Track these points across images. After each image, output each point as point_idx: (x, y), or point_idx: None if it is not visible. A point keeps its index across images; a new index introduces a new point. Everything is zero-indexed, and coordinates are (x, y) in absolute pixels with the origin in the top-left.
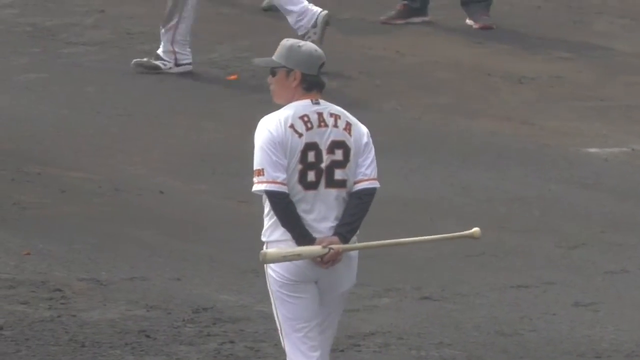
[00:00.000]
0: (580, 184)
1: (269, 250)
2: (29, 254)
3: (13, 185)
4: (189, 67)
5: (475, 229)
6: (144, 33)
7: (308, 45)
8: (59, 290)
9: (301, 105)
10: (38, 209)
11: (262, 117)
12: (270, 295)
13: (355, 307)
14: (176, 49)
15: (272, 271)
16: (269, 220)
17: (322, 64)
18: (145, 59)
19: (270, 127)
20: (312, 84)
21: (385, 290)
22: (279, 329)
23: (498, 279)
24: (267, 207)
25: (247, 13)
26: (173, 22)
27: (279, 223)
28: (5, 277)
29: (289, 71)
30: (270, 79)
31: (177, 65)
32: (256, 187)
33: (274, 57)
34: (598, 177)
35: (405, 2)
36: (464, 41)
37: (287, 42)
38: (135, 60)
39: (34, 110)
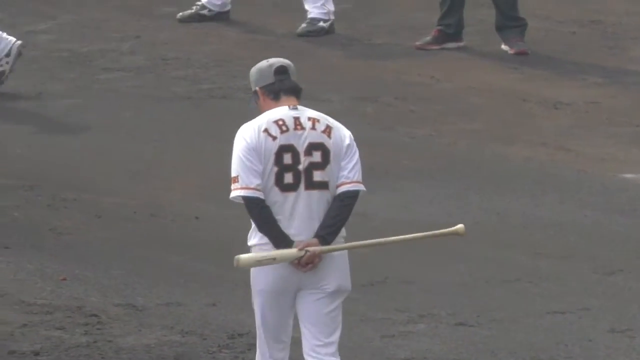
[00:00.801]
0: (616, 210)
1: (243, 255)
2: (65, 279)
3: (49, 211)
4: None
5: (460, 226)
6: (179, 59)
7: (261, 63)
8: (95, 315)
9: (278, 111)
10: (74, 234)
11: None
12: (252, 294)
13: (390, 333)
14: None
15: (256, 280)
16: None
17: (280, 68)
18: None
19: (245, 134)
20: (275, 91)
21: (420, 316)
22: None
23: (534, 305)
24: None
25: (282, 39)
26: None
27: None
28: (42, 303)
29: (255, 93)
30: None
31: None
32: (232, 194)
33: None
34: (634, 203)
35: (440, 27)
36: (499, 67)
37: (260, 63)
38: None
39: (70, 136)
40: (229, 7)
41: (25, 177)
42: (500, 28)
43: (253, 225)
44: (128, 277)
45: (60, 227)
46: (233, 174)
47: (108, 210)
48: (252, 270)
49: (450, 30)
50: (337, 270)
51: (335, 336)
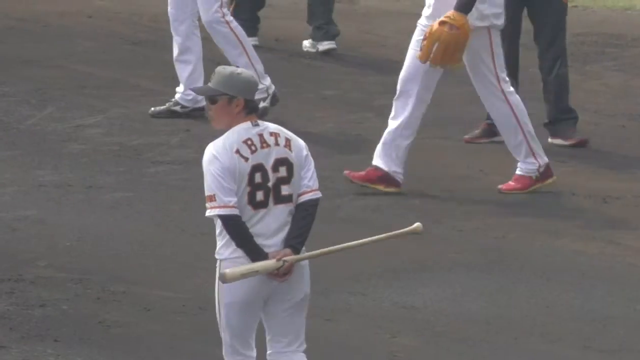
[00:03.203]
0: None
1: (228, 270)
2: None
3: (98, 304)
4: None
5: (417, 224)
6: None
7: (245, 72)
8: None
9: (243, 129)
10: (123, 327)
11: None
12: (216, 300)
13: None
14: None
15: (226, 293)
16: (222, 239)
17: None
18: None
19: (218, 154)
20: (252, 108)
21: None
22: (218, 321)
23: None
24: (218, 227)
25: (331, 132)
26: None
27: (231, 241)
28: None
29: (231, 98)
30: (209, 106)
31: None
32: (210, 212)
33: (211, 85)
34: None
35: (489, 121)
36: (548, 159)
37: (224, 69)
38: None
39: (119, 228)
40: (202, 104)
41: (75, 270)
42: (552, 122)
43: (223, 240)
44: None
45: (109, 320)
46: (208, 192)
47: (157, 303)
48: (220, 283)
49: None
50: (303, 278)
51: (303, 337)
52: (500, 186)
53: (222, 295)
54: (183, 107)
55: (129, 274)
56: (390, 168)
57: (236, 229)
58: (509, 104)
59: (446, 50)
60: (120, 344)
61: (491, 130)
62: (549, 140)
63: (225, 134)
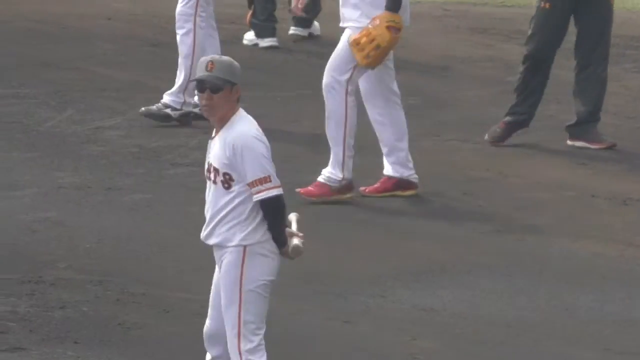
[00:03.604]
0: None
1: (299, 243)
2: None
3: (118, 306)
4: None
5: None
6: None
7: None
8: None
9: (246, 114)
10: (143, 329)
11: (371, 245)
12: (237, 296)
13: None
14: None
15: (254, 272)
16: (250, 223)
17: None
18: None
19: (258, 136)
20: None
21: None
22: (238, 330)
23: None
24: (245, 213)
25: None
26: None
27: (261, 225)
28: None
29: (232, 86)
30: (207, 95)
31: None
32: (268, 194)
33: (216, 74)
34: None
35: (508, 118)
36: (567, 162)
37: (221, 58)
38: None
39: (139, 230)
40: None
41: (95, 271)
42: (579, 123)
43: (252, 225)
44: None
45: (128, 322)
46: (262, 174)
47: (176, 305)
48: (259, 263)
49: (521, 118)
50: None
51: None
52: (298, 189)
53: (250, 279)
54: (174, 109)
55: (148, 276)
56: (403, 174)
57: (283, 208)
58: (346, 105)
59: (386, 53)
60: (140, 345)
61: (510, 128)
62: (569, 142)
63: (244, 119)
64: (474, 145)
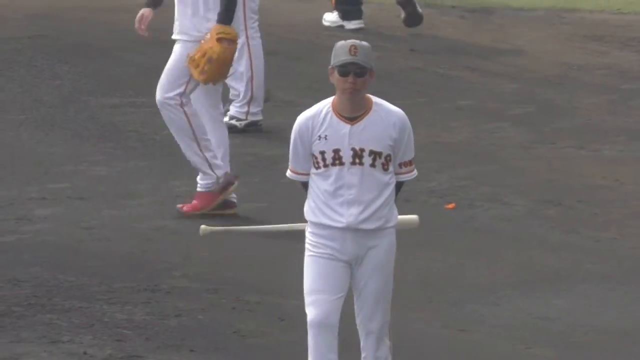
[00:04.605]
0: None
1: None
2: None
3: (233, 314)
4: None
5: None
6: None
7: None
8: None
9: None
10: (258, 337)
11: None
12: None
13: None
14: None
15: None
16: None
17: None
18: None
19: None
20: None
21: None
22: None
23: None
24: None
25: (465, 142)
26: None
27: None
28: None
29: (371, 71)
30: (352, 79)
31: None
32: (414, 174)
33: (363, 59)
34: None
35: None
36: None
37: (362, 43)
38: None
39: (254, 239)
40: (257, 118)
41: (210, 280)
42: None
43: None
44: None
45: (244, 329)
46: (413, 155)
47: (291, 313)
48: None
49: None
50: None
51: None
52: (182, 208)
53: None
54: (238, 119)
55: (263, 284)
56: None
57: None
58: (185, 115)
59: (223, 66)
60: (255, 353)
61: None
62: None
63: (385, 102)
64: (589, 153)
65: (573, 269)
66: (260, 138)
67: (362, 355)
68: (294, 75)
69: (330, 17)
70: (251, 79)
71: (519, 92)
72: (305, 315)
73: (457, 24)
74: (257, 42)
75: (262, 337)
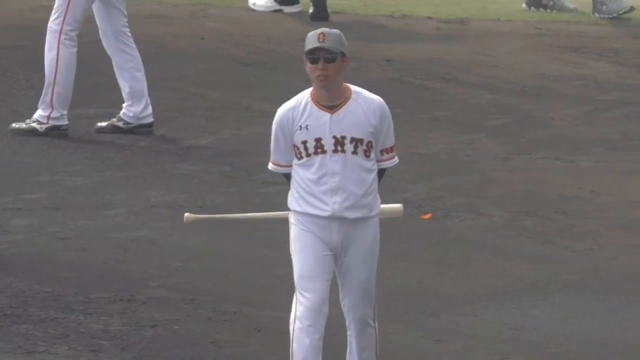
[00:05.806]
0: None
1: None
2: None
3: (210, 324)
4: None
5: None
6: None
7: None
8: None
9: None
10: (234, 347)
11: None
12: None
13: None
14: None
15: None
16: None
17: None
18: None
19: None
20: None
21: None
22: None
23: None
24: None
25: (442, 153)
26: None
27: None
28: None
29: (343, 56)
30: (322, 64)
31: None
32: (396, 161)
33: (332, 45)
34: None
35: None
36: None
37: (332, 30)
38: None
39: (230, 249)
40: (146, 121)
41: (186, 290)
42: None
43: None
44: None
45: (220, 340)
46: (394, 142)
47: (268, 323)
48: None
49: None
50: None
51: None
52: None
53: None
54: (126, 123)
55: (240, 295)
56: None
57: None
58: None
59: None
60: None
61: None
62: None
63: (363, 90)
64: (566, 164)
65: (549, 280)
66: (236, 149)
67: (347, 333)
68: (270, 85)
69: (262, 2)
70: (53, 84)
71: (496, 103)
72: (282, 325)
73: (433, 35)
74: (69, 52)
75: (239, 348)
